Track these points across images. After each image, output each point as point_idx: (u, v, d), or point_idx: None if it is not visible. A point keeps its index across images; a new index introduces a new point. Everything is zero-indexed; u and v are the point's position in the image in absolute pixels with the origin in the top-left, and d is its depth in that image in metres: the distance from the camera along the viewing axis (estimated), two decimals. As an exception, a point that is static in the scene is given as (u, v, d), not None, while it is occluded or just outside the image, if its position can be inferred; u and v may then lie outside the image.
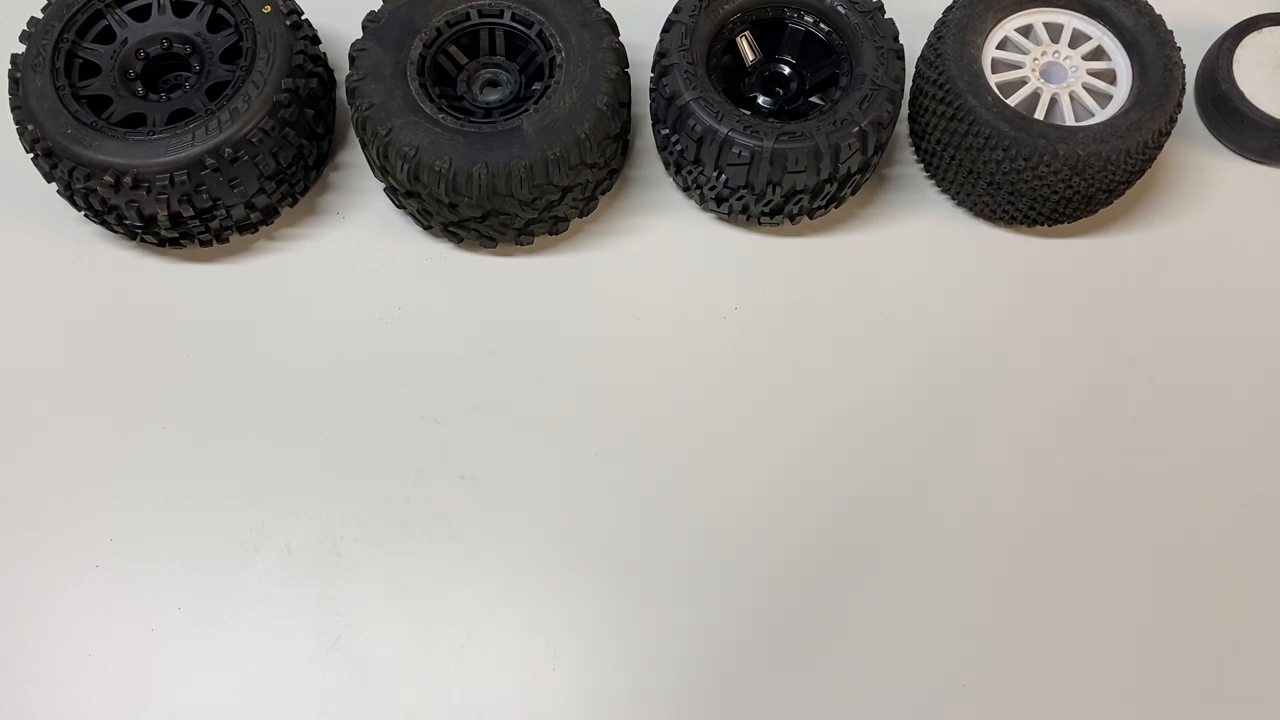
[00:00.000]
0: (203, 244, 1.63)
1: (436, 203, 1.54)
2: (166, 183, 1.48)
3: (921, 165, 1.75)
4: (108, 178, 1.47)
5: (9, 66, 1.55)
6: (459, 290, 1.64)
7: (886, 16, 1.61)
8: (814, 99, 1.67)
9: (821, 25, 1.65)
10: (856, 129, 1.51)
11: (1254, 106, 1.73)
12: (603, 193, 1.69)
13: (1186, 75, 1.65)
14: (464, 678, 1.40)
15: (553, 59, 1.59)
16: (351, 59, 1.56)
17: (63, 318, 1.61)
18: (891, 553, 1.48)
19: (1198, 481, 1.54)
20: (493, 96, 1.65)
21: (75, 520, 1.47)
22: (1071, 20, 1.67)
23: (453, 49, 1.63)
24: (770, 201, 1.59)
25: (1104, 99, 1.64)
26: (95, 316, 1.61)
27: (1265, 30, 1.78)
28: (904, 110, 1.74)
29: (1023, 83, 1.65)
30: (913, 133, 1.73)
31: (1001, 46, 1.66)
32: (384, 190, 1.65)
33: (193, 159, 1.48)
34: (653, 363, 1.60)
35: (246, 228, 1.64)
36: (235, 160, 1.51)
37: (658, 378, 1.58)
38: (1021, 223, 1.69)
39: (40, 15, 1.57)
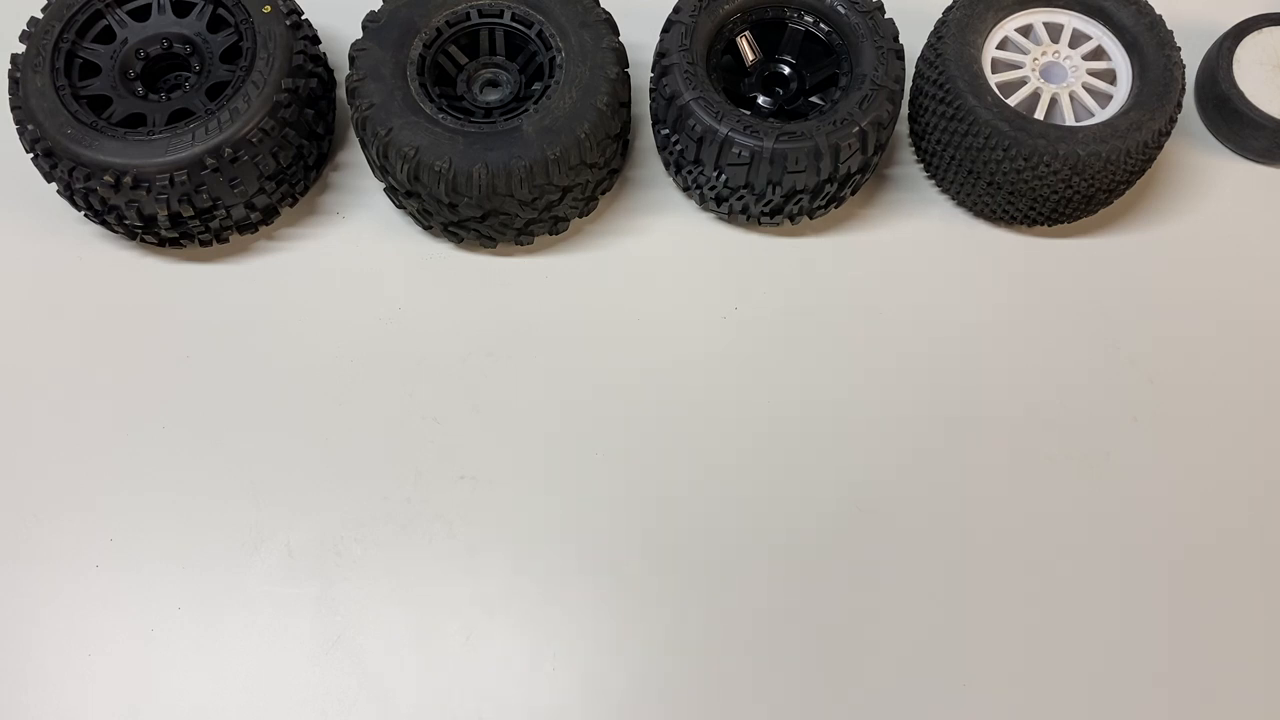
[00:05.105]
0: (203, 244, 1.63)
1: (436, 203, 1.54)
2: (166, 183, 1.48)
3: (921, 165, 1.75)
4: (108, 178, 1.47)
5: (9, 66, 1.55)
6: (459, 290, 1.64)
7: (886, 16, 1.61)
8: (814, 99, 1.67)
9: (821, 25, 1.65)
10: (856, 129, 1.51)
11: (1254, 106, 1.73)
12: (603, 193, 1.69)
13: (1186, 75, 1.65)
14: (464, 678, 1.40)
15: (553, 59, 1.59)
16: (351, 59, 1.56)
17: (63, 318, 1.61)
18: (891, 553, 1.48)
19: (1199, 482, 1.54)
20: (493, 96, 1.65)
21: (75, 520, 1.47)
22: (1071, 20, 1.67)
23: (453, 49, 1.63)
24: (770, 201, 1.59)
25: (1104, 99, 1.64)
26: (95, 316, 1.61)
27: (1265, 30, 1.78)
28: (904, 110, 1.74)
29: (1023, 83, 1.65)
30: (913, 133, 1.73)
31: (1001, 46, 1.66)
32: (384, 190, 1.65)
33: (193, 159, 1.48)
34: (653, 363, 1.60)
35: (246, 228, 1.64)
36: (235, 160, 1.51)
37: (658, 378, 1.58)
38: (1021, 223, 1.69)
39: (40, 15, 1.57)
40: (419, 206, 1.59)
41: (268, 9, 1.58)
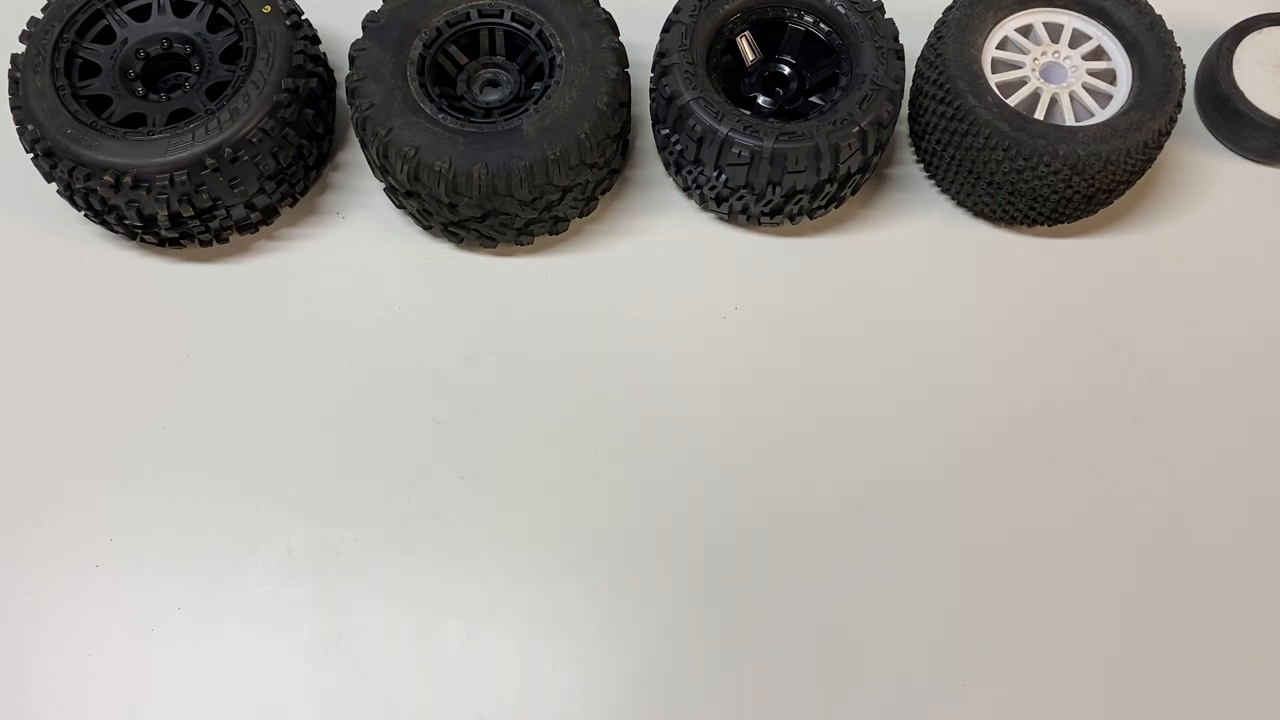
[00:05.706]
0: (203, 244, 1.63)
1: (436, 203, 1.54)
2: (166, 183, 1.48)
3: (921, 165, 1.75)
4: (108, 178, 1.47)
5: (9, 66, 1.55)
6: (459, 290, 1.64)
7: (886, 16, 1.61)
8: (814, 99, 1.67)
9: (821, 25, 1.65)
10: (856, 129, 1.51)
11: (1254, 106, 1.73)
12: (603, 193, 1.69)
13: (1186, 75, 1.65)
14: (464, 678, 1.40)
15: (553, 59, 1.59)
16: (351, 59, 1.56)
17: (63, 318, 1.61)
18: (891, 552, 1.48)
19: (1199, 482, 1.54)
20: (493, 96, 1.65)
21: (75, 520, 1.47)
22: (1071, 20, 1.67)
23: (453, 49, 1.63)
24: (770, 201, 1.59)
25: (1104, 99, 1.64)
26: (95, 316, 1.61)
27: (1265, 30, 1.78)
28: (904, 110, 1.74)
29: (1023, 83, 1.65)
30: (913, 133, 1.73)
31: (1001, 46, 1.66)
32: (384, 190, 1.65)
33: (193, 159, 1.48)
34: (652, 362, 1.60)
35: (246, 228, 1.64)
36: (235, 160, 1.51)
37: (657, 377, 1.58)
38: (1021, 223, 1.69)
39: (40, 15, 1.57)
40: (419, 206, 1.59)
41: (268, 9, 1.58)
